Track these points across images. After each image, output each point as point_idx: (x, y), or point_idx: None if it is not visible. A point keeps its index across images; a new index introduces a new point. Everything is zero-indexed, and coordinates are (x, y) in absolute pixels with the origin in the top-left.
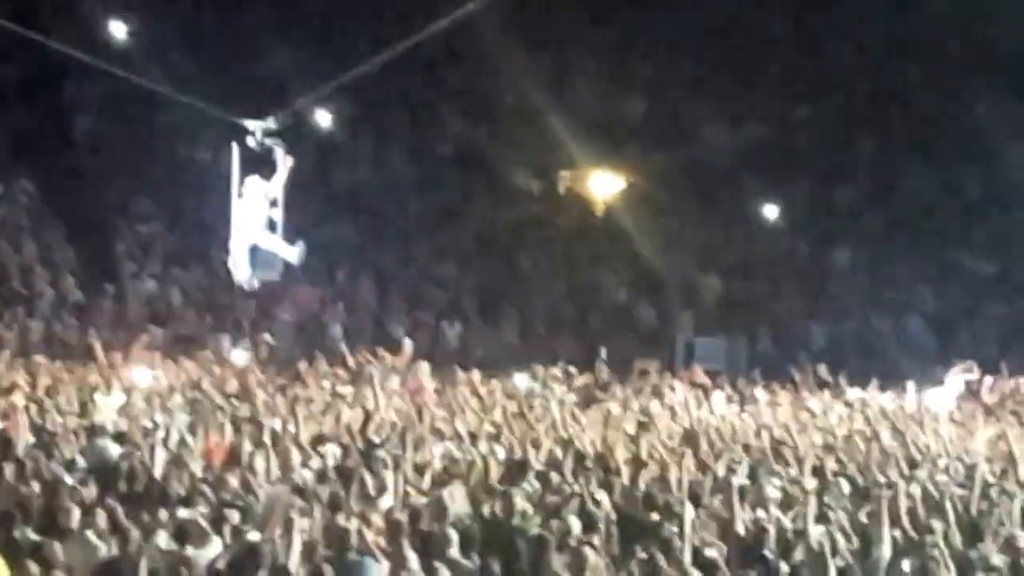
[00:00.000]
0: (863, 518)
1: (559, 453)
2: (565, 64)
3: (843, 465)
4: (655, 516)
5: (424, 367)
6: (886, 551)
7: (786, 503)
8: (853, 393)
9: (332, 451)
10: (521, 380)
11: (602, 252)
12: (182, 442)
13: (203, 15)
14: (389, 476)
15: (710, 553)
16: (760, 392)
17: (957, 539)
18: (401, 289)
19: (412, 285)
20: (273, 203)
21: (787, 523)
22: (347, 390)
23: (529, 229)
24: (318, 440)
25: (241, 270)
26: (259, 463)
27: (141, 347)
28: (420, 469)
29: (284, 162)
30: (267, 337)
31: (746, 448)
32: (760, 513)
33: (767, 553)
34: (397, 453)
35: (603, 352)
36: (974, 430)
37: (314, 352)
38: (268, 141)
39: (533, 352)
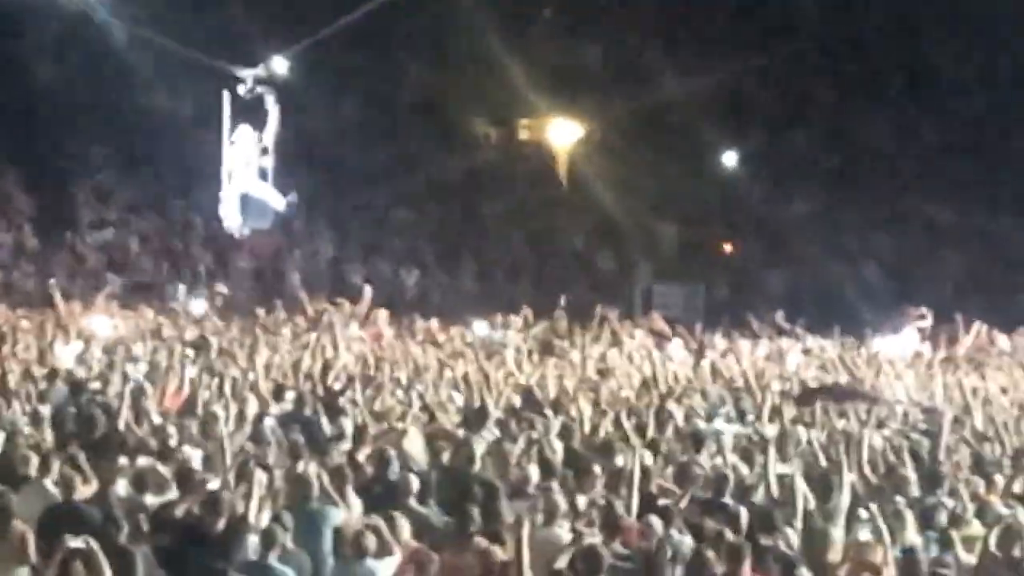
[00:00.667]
0: (822, 465)
1: (518, 400)
2: (524, 13)
3: (801, 412)
4: (614, 463)
5: (383, 315)
6: (845, 497)
7: (745, 450)
8: (811, 340)
9: (291, 399)
10: (480, 328)
11: (560, 200)
12: (141, 390)
13: None
14: (348, 423)
15: (667, 500)
16: (719, 339)
17: (916, 485)
18: (359, 237)
19: (370, 233)
20: (264, 151)
21: (745, 470)
22: (306, 338)
23: (488, 177)
24: (278, 388)
25: (232, 218)
26: (218, 411)
27: (101, 297)
28: (379, 416)
29: (275, 110)
30: (220, 288)
31: (704, 395)
32: (719, 460)
33: (727, 500)
34: (356, 400)
35: (562, 300)
36: (930, 377)
37: (272, 300)
38: (259, 89)
39: (492, 300)
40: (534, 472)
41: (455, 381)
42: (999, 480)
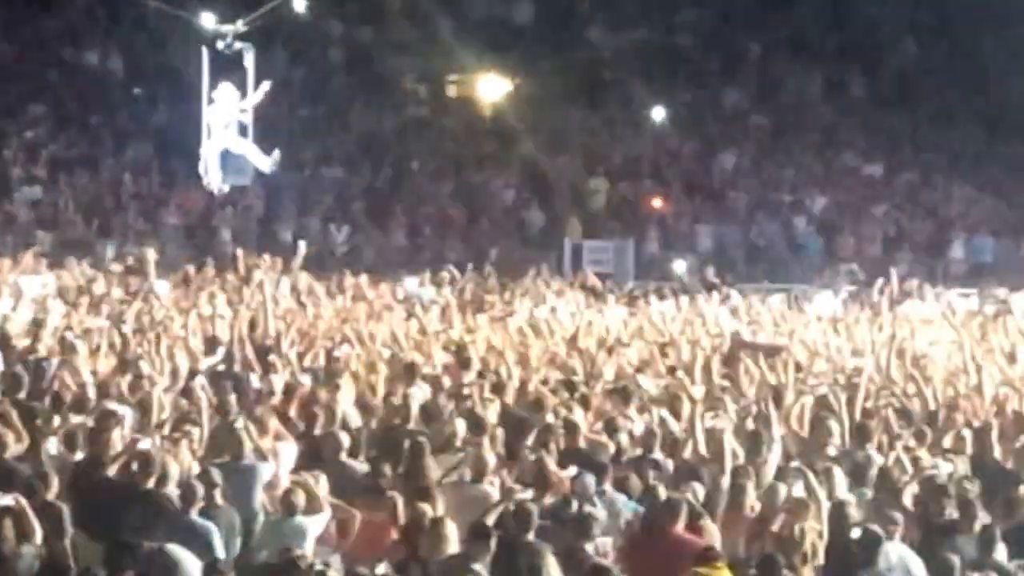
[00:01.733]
0: (751, 422)
1: (449, 357)
2: None
3: (732, 369)
4: (546, 418)
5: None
6: (776, 452)
7: (674, 406)
8: (740, 297)
9: (222, 355)
10: (410, 284)
11: (490, 155)
12: (71, 347)
13: None
14: (278, 379)
15: (600, 454)
16: (653, 297)
17: (846, 440)
18: (289, 193)
19: (300, 189)
20: (243, 109)
21: (675, 426)
22: (237, 295)
23: (417, 133)
24: (209, 343)
25: (213, 175)
26: (149, 368)
27: (30, 255)
28: (310, 372)
29: (252, 65)
30: (149, 251)
31: (636, 351)
32: (648, 416)
33: (656, 455)
34: (287, 355)
35: (492, 255)
36: (861, 333)
37: (203, 257)
38: (238, 44)
39: (422, 256)
40: (461, 427)
41: (386, 337)
42: (927, 434)
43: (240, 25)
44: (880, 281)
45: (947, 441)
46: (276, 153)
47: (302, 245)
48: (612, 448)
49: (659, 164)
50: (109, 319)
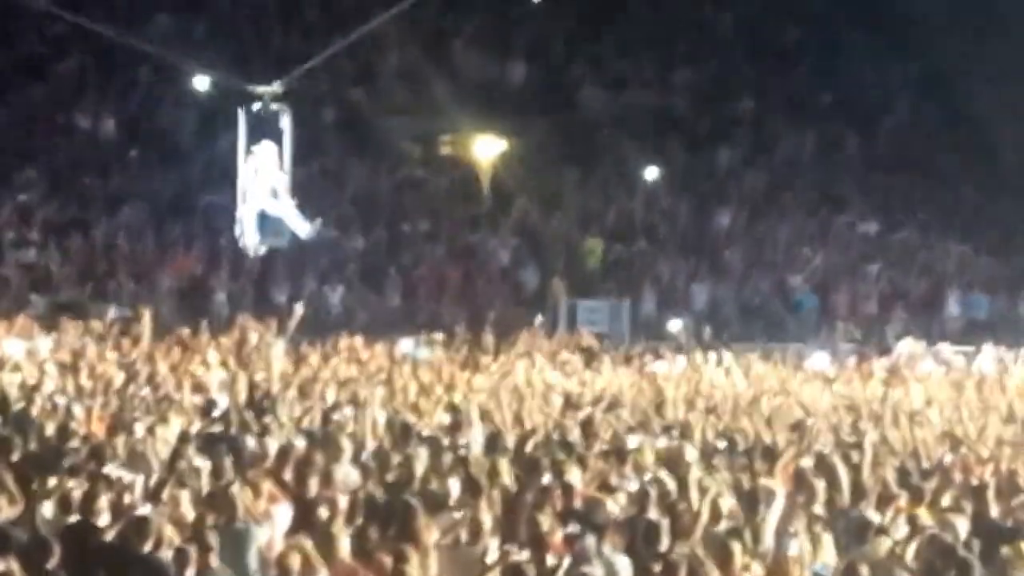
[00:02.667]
0: (748, 480)
1: (446, 418)
2: (446, 28)
3: (729, 427)
4: (543, 480)
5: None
6: (775, 511)
7: (672, 465)
8: (740, 354)
9: (218, 417)
10: (406, 345)
11: (485, 216)
12: (68, 411)
13: None
14: (274, 441)
15: (597, 515)
16: (649, 357)
17: (844, 499)
18: (284, 254)
19: (295, 250)
20: (280, 168)
21: (671, 485)
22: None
23: (412, 194)
24: (205, 406)
25: (249, 236)
26: (145, 431)
27: (22, 318)
28: (307, 434)
29: (289, 127)
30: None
31: (633, 411)
32: (645, 475)
33: (650, 515)
34: (283, 417)
35: (487, 315)
36: (859, 392)
37: (199, 319)
38: (274, 106)
39: (417, 316)
40: (458, 488)
41: (383, 398)
42: (925, 492)
43: (277, 86)
44: (876, 340)
45: (945, 500)
46: (318, 221)
47: (298, 307)
48: (609, 508)
49: (654, 223)
50: (105, 382)
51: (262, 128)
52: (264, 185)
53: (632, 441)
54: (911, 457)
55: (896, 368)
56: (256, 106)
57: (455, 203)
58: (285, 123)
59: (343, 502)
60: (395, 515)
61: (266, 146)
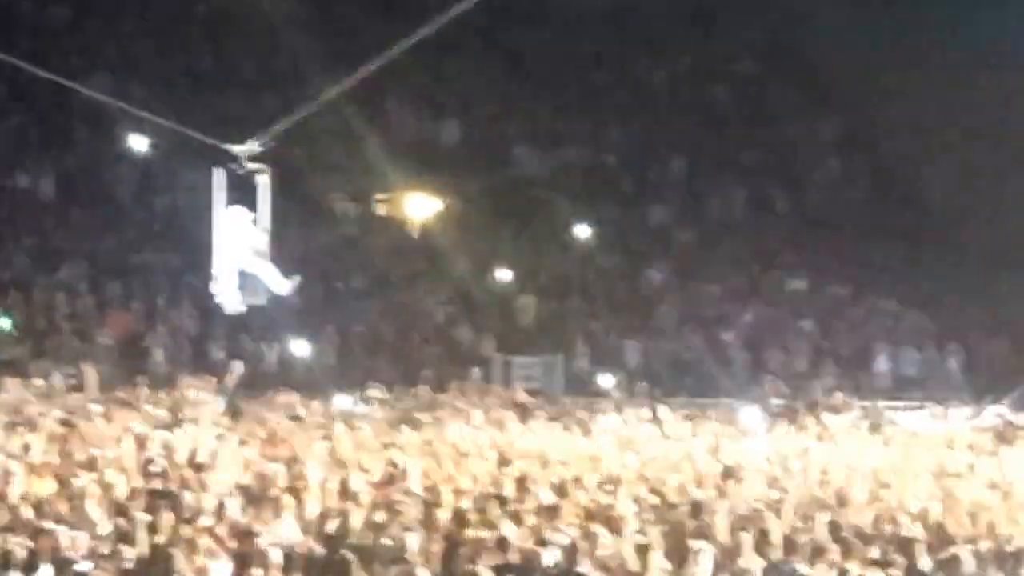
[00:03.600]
0: (679, 535)
1: (382, 474)
2: (378, 87)
3: (660, 482)
4: (478, 534)
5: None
6: (705, 567)
7: (604, 522)
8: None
9: (157, 473)
10: (342, 402)
11: (419, 273)
12: (7, 469)
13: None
14: (211, 498)
15: (531, 568)
16: (581, 413)
17: (776, 553)
18: (220, 312)
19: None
20: (258, 228)
21: (607, 540)
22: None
23: (346, 252)
24: (146, 463)
25: (229, 296)
26: (85, 488)
27: None
28: (244, 490)
29: (267, 186)
30: (89, 371)
31: (564, 468)
32: (578, 530)
33: (582, 569)
34: (222, 474)
35: (422, 373)
36: (789, 447)
37: (137, 376)
38: (251, 165)
39: (353, 374)
40: (395, 543)
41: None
42: (856, 546)
43: (256, 146)
44: (806, 396)
45: (875, 553)
46: (296, 279)
47: (238, 365)
48: (544, 562)
49: (587, 280)
50: (47, 438)
51: (238, 187)
52: (242, 244)
53: (565, 496)
54: (842, 511)
55: (826, 423)
56: (232, 165)
57: (390, 261)
58: (263, 182)
59: (279, 557)
60: (332, 570)
61: (238, 207)
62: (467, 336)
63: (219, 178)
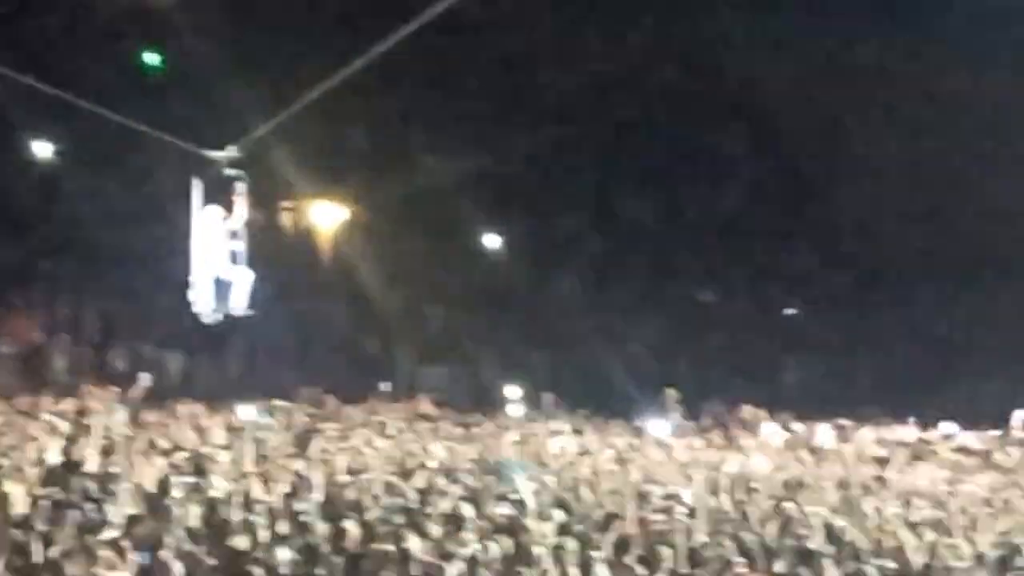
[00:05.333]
0: (585, 548)
1: (287, 485)
2: (285, 95)
3: (567, 494)
4: (382, 546)
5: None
6: None
7: (509, 531)
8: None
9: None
10: (245, 412)
11: (325, 283)
12: None
13: None
14: (114, 509)
15: None
16: (488, 424)
17: (682, 567)
18: (125, 321)
19: (136, 317)
20: (234, 234)
21: (508, 551)
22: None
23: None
24: (49, 474)
25: (205, 303)
26: None
27: None
28: (147, 500)
29: (244, 192)
30: None
31: (472, 477)
32: (483, 541)
33: None
34: (124, 485)
35: (327, 383)
36: (697, 459)
37: (38, 386)
38: (229, 172)
39: (258, 384)
40: (300, 555)
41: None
42: (761, 559)
43: (234, 151)
44: (714, 407)
45: (779, 566)
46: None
47: (144, 377)
48: (447, 574)
49: (495, 290)
50: None
51: (214, 194)
52: (219, 251)
53: (470, 508)
54: (747, 524)
55: (733, 435)
56: (211, 172)
57: (295, 270)
58: (240, 188)
59: (180, 570)
60: None
61: (218, 212)
62: (373, 346)
63: (196, 185)
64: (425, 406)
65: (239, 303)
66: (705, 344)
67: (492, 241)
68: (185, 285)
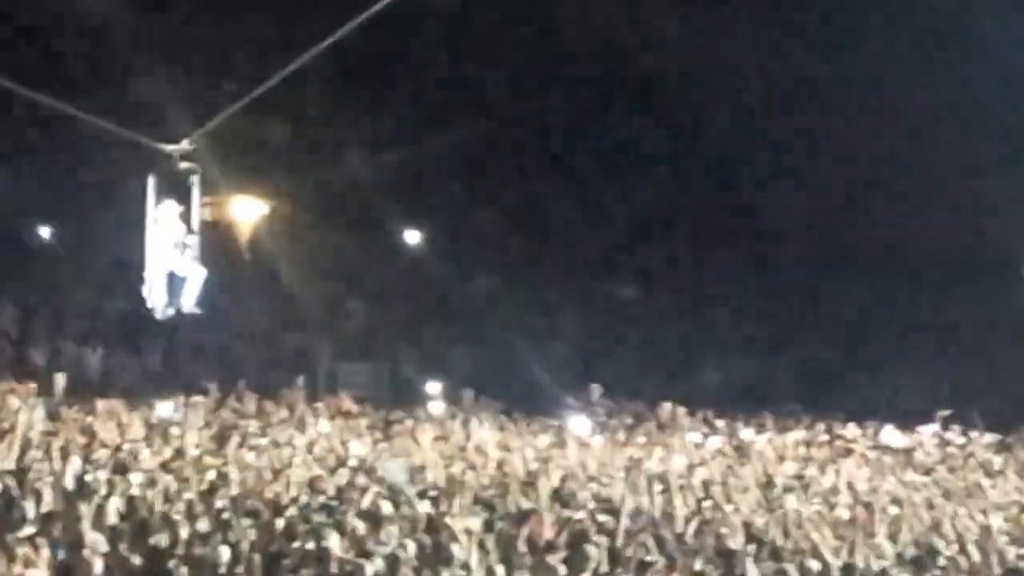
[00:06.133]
0: (504, 545)
1: (207, 482)
2: (205, 90)
3: (487, 491)
4: (301, 544)
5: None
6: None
7: (429, 529)
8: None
9: None
10: (164, 408)
11: (245, 278)
12: None
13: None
14: (32, 506)
15: None
16: (409, 420)
17: (601, 566)
18: (43, 316)
19: (54, 312)
20: (189, 229)
21: (428, 549)
22: None
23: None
24: None
25: (158, 297)
26: None
27: None
28: (68, 495)
29: (199, 186)
30: None
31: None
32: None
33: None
34: (43, 481)
35: (247, 379)
36: (617, 457)
37: None
38: (184, 165)
39: (177, 380)
40: (224, 554)
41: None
42: (678, 559)
43: (187, 144)
44: (634, 405)
45: (697, 565)
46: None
47: (60, 377)
48: (366, 572)
49: (415, 286)
50: None
51: (168, 188)
52: (172, 246)
53: (389, 506)
54: (667, 523)
55: (655, 434)
56: (164, 166)
57: (214, 266)
58: (194, 182)
59: (99, 567)
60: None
61: (172, 206)
62: (293, 342)
63: (151, 179)
64: (345, 402)
65: (190, 300)
66: (626, 341)
67: (413, 237)
68: (113, 279)
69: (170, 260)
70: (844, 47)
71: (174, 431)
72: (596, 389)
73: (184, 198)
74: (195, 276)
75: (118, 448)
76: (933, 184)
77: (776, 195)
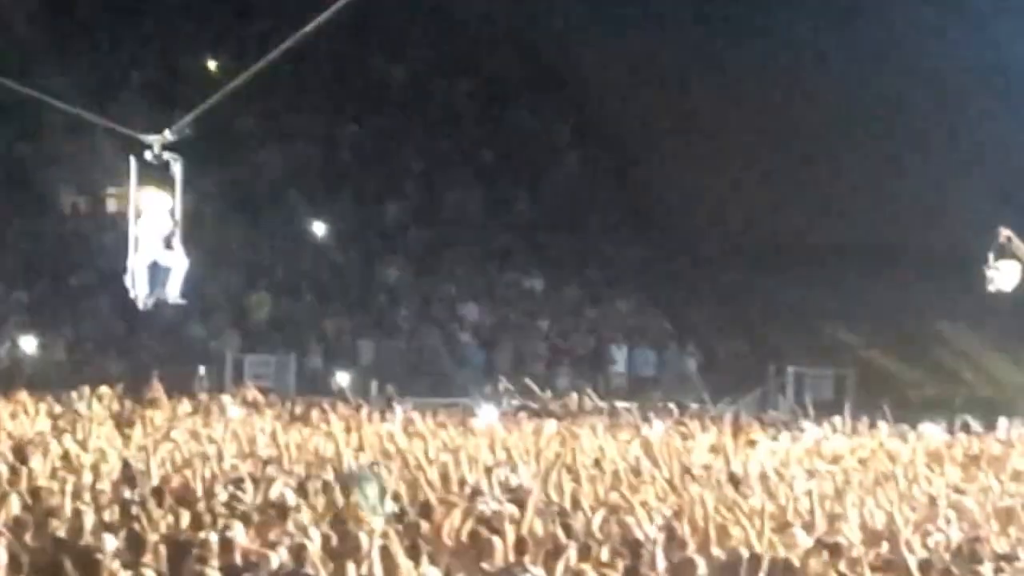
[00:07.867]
0: (412, 537)
1: (115, 472)
2: (112, 81)
3: (395, 483)
4: (206, 534)
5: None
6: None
7: (336, 521)
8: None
9: None
10: (71, 399)
11: None
12: None
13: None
14: None
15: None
16: (315, 411)
17: (508, 556)
18: None
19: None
20: (171, 218)
21: (333, 540)
22: None
23: (77, 246)
24: None
25: (140, 287)
26: None
27: None
28: None
29: (180, 175)
30: None
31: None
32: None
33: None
34: None
35: (153, 370)
36: (524, 448)
37: None
38: (166, 154)
39: (83, 371)
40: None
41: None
42: (591, 548)
43: (168, 134)
44: (542, 396)
45: (604, 555)
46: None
47: None
48: (272, 563)
49: (321, 278)
50: None
51: (150, 177)
52: (155, 235)
53: (294, 496)
54: (575, 512)
55: (567, 423)
56: (147, 155)
57: (120, 257)
58: (177, 171)
59: (3, 558)
60: (61, 571)
61: (154, 195)
62: (199, 333)
63: (133, 168)
64: (251, 393)
65: (175, 290)
66: (533, 331)
67: (318, 228)
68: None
69: (152, 250)
70: (756, 37)
71: (81, 422)
72: (504, 379)
73: (165, 187)
74: (179, 266)
75: (21, 439)
76: (848, 175)
77: (683, 187)
